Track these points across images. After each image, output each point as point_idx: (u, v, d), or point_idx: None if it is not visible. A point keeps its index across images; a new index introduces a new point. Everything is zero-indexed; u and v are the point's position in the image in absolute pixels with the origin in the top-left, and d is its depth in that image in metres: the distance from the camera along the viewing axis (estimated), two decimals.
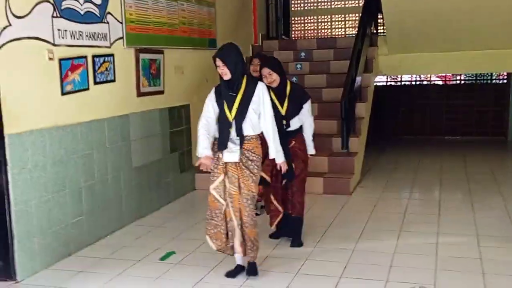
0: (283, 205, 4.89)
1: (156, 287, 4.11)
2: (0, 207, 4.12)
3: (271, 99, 4.21)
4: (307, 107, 4.78)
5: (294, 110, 4.71)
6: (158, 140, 6.28)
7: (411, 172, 8.12)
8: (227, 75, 3.94)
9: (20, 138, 4.20)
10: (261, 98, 4.01)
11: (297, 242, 4.87)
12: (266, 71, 4.64)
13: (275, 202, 4.88)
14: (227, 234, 4.08)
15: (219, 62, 3.94)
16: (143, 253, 4.79)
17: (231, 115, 3.97)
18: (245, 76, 4.03)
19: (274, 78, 4.60)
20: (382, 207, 6.22)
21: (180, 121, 6.77)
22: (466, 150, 9.94)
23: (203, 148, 4.01)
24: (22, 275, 4.25)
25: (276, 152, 4.13)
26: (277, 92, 4.65)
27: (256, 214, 4.98)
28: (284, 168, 4.26)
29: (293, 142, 4.72)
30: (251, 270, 4.16)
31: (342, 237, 5.14)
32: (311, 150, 4.91)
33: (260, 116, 4.04)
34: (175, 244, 5.05)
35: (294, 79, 8.86)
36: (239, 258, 4.20)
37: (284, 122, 4.66)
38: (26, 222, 4.28)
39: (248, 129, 4.00)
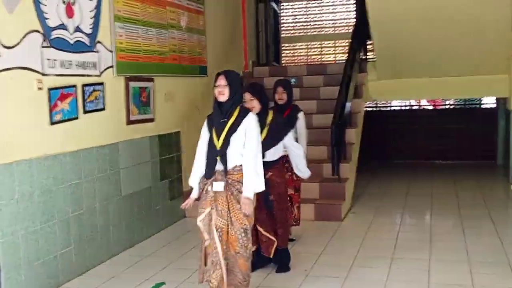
0: (273, 234, 4.85)
1: None
2: None
3: None
4: (287, 139, 4.74)
5: (272, 141, 4.64)
6: (148, 168, 6.25)
7: (402, 197, 8.12)
8: (224, 96, 3.84)
9: (7, 168, 4.17)
10: (248, 128, 3.89)
11: (283, 268, 4.88)
12: (247, 96, 4.62)
13: (265, 234, 4.84)
14: (203, 269, 3.91)
15: (221, 81, 3.84)
16: (132, 284, 4.73)
17: (218, 143, 3.88)
18: (239, 106, 3.98)
19: (254, 105, 4.57)
20: (373, 233, 6.19)
21: (170, 148, 6.76)
22: (456, 174, 9.97)
23: (193, 182, 4.04)
24: None
25: (246, 185, 3.85)
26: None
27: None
28: (244, 208, 3.83)
29: (270, 173, 4.60)
30: None
31: (333, 265, 5.10)
32: (305, 172, 5.00)
33: (245, 145, 3.90)
34: (165, 274, 4.99)
35: (292, 80, 8.90)
36: None
37: None
38: (13, 253, 4.22)
39: (235, 159, 3.87)
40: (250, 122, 3.93)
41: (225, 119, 3.90)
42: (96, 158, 5.26)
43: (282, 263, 4.91)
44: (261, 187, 3.96)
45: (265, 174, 4.20)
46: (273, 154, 4.72)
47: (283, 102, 5.54)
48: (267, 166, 4.49)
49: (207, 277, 3.88)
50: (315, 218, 6.81)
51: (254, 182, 3.87)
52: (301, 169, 4.95)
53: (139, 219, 6.03)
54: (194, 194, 4.05)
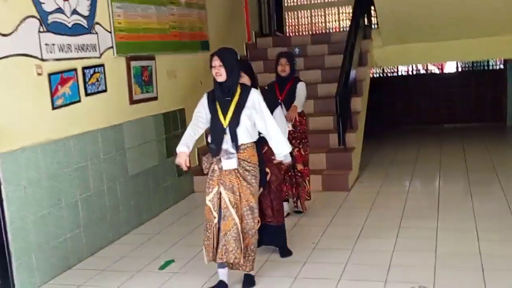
0: (262, 214, 4.69)
1: None
2: None
3: None
4: (276, 113, 4.64)
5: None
6: (154, 147, 6.27)
7: (410, 164, 8.10)
8: (222, 76, 3.84)
9: (13, 156, 4.20)
10: (256, 104, 3.93)
11: (285, 252, 4.75)
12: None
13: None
14: (216, 248, 3.93)
15: (216, 62, 3.84)
16: (142, 263, 4.80)
17: (225, 121, 3.89)
18: (239, 84, 3.98)
19: (245, 82, 4.53)
20: (380, 202, 6.21)
21: (175, 126, 6.76)
22: (465, 138, 9.92)
23: (181, 144, 3.91)
24: None
25: (282, 148, 4.10)
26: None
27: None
28: (286, 162, 4.39)
29: (266, 148, 4.51)
30: (248, 282, 4.11)
31: (340, 236, 5.13)
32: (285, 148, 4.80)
33: (258, 122, 3.96)
34: (174, 251, 5.05)
35: (296, 49, 8.87)
36: (223, 273, 4.07)
37: None
38: (23, 239, 4.28)
39: (243, 136, 3.90)
40: (256, 97, 3.98)
41: (229, 98, 3.89)
42: (100, 140, 5.28)
43: (280, 246, 4.78)
44: (290, 148, 4.22)
45: (262, 149, 4.26)
46: None
47: (286, 74, 5.51)
48: (263, 140, 4.46)
49: (226, 257, 3.87)
50: (322, 189, 6.84)
51: (287, 145, 4.15)
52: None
53: (147, 197, 6.08)
54: (181, 149, 3.89)
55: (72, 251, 4.83)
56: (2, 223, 4.12)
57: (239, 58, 4.07)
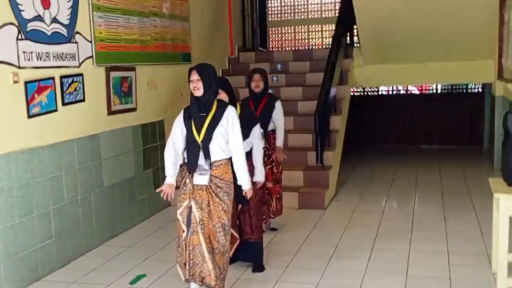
0: (239, 231, 4.72)
1: None
2: None
3: None
4: (256, 131, 4.67)
5: (244, 133, 4.41)
6: (131, 158, 6.23)
7: (387, 184, 8.15)
8: (199, 91, 3.84)
9: None
10: (230, 122, 3.93)
11: (258, 268, 4.77)
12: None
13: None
14: (185, 264, 3.94)
15: (194, 76, 3.85)
16: (113, 276, 4.74)
17: (199, 137, 3.90)
18: (216, 100, 3.99)
19: (223, 98, 4.54)
20: (356, 222, 6.23)
21: (154, 138, 6.73)
22: (442, 159, 10.00)
23: (169, 175, 3.94)
24: None
25: (242, 178, 4.08)
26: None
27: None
28: (249, 194, 4.18)
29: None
30: None
31: (314, 255, 5.13)
32: (259, 176, 4.70)
33: (229, 139, 3.97)
34: (147, 265, 5.01)
35: (278, 66, 8.89)
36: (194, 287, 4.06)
37: None
38: None
39: (217, 153, 3.91)
40: (231, 114, 3.97)
41: (204, 114, 3.89)
42: (76, 150, 5.23)
43: (256, 262, 4.82)
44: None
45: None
46: (246, 146, 4.65)
47: (260, 90, 5.50)
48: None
49: (195, 272, 3.91)
50: (299, 207, 6.84)
51: (247, 174, 4.08)
52: (257, 167, 4.72)
53: (122, 209, 6.03)
54: (171, 180, 3.94)
55: (42, 262, 4.76)
56: None
57: (217, 75, 4.07)
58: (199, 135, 3.90)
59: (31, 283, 4.61)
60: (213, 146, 3.90)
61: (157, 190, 3.98)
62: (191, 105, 3.97)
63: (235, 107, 4.47)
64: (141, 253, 5.32)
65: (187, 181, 3.94)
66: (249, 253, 4.79)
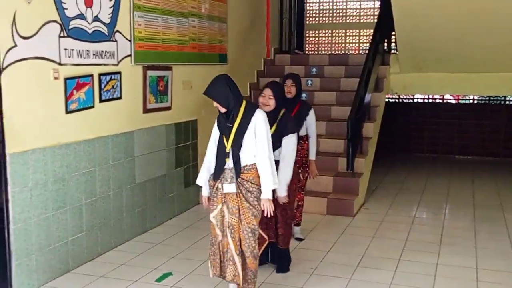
0: (267, 233, 4.78)
1: None
2: None
3: None
4: (287, 142, 4.60)
5: (280, 139, 4.55)
6: (163, 156, 6.32)
7: (418, 194, 8.07)
8: (222, 110, 3.93)
9: (22, 157, 4.26)
10: (258, 126, 3.92)
11: (283, 269, 4.88)
12: (267, 92, 4.60)
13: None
14: (220, 264, 4.07)
15: (214, 102, 3.92)
16: (140, 272, 4.83)
17: (228, 145, 3.94)
18: (244, 103, 3.96)
19: (271, 104, 4.55)
20: (384, 232, 6.18)
21: (186, 136, 6.81)
22: (475, 171, 9.86)
23: (201, 182, 4.21)
24: None
25: (265, 186, 3.97)
26: (269, 117, 4.54)
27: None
28: (266, 210, 3.98)
29: None
30: None
31: (340, 263, 5.13)
32: (282, 192, 4.58)
33: (256, 144, 3.94)
34: (173, 264, 5.07)
35: (309, 82, 8.87)
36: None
37: None
38: (24, 239, 4.33)
39: (247, 158, 3.94)
40: (259, 119, 3.95)
41: (230, 125, 3.94)
42: (111, 146, 5.33)
43: (281, 264, 4.91)
44: (276, 184, 4.05)
45: None
46: (277, 153, 4.63)
47: (291, 96, 5.48)
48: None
49: (222, 272, 4.05)
50: (327, 212, 6.83)
51: (271, 183, 3.97)
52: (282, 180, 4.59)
53: (152, 206, 6.12)
54: (205, 193, 4.19)
55: (72, 254, 4.87)
56: (5, 223, 4.17)
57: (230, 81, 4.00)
58: (227, 142, 3.95)
59: (61, 275, 4.73)
60: (243, 153, 3.93)
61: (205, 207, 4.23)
62: (218, 115, 4.05)
63: (279, 112, 4.59)
64: (169, 251, 5.40)
65: (219, 186, 4.00)
66: (275, 257, 4.87)
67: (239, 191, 3.93)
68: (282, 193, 4.50)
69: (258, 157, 3.95)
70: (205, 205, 4.18)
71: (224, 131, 3.97)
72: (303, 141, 5.61)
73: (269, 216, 4.06)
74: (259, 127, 3.94)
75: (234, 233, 3.95)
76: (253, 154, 3.95)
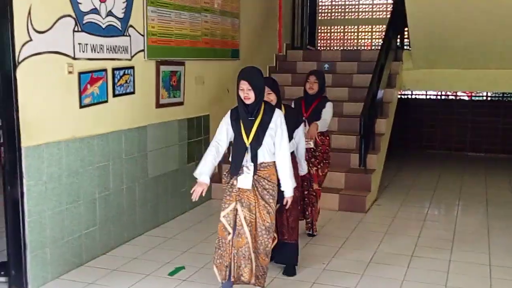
0: (277, 231, 4.72)
1: None
2: (14, 218, 4.22)
3: None
4: (300, 129, 4.68)
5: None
6: (176, 151, 6.34)
7: (430, 190, 8.03)
8: (250, 100, 3.85)
9: (37, 150, 4.29)
10: (278, 125, 3.95)
11: (290, 271, 4.73)
12: (245, 85, 4.57)
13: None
14: (228, 266, 3.97)
15: (244, 85, 3.83)
16: (153, 266, 4.85)
17: (248, 140, 3.91)
18: (263, 102, 4.00)
19: (272, 98, 4.50)
20: (396, 228, 6.16)
21: (199, 132, 6.83)
22: (488, 168, 9.80)
23: (201, 172, 3.95)
24: (33, 284, 4.35)
25: (286, 184, 4.03)
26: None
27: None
28: (290, 202, 4.14)
29: None
30: None
31: (352, 259, 5.12)
32: (305, 169, 4.93)
33: (275, 144, 3.97)
34: (185, 258, 5.09)
35: (326, 66, 8.85)
36: None
37: None
38: (39, 232, 4.37)
39: (264, 155, 3.93)
40: (279, 118, 3.98)
41: (253, 118, 3.92)
42: (124, 140, 5.36)
43: (289, 264, 4.78)
44: (294, 183, 4.12)
45: None
46: (291, 146, 4.61)
47: (313, 92, 5.50)
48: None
49: (237, 274, 3.96)
50: (339, 208, 6.82)
51: (292, 181, 4.04)
52: (300, 163, 4.86)
53: (165, 200, 6.14)
54: (204, 179, 3.94)
55: (86, 248, 4.91)
56: (20, 216, 4.21)
57: (263, 76, 4.07)
58: (248, 138, 3.92)
59: (74, 268, 4.76)
60: (262, 150, 3.93)
61: (192, 191, 3.94)
62: (239, 108, 3.95)
63: (281, 108, 4.50)
64: (181, 245, 5.42)
65: (234, 182, 3.97)
66: (282, 255, 4.76)
67: (255, 188, 3.93)
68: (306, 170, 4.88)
69: (280, 155, 3.98)
70: (197, 191, 3.90)
71: (245, 126, 3.92)
72: (324, 137, 5.61)
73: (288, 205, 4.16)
74: (281, 125, 3.97)
75: (252, 229, 3.93)
76: (271, 151, 3.96)
